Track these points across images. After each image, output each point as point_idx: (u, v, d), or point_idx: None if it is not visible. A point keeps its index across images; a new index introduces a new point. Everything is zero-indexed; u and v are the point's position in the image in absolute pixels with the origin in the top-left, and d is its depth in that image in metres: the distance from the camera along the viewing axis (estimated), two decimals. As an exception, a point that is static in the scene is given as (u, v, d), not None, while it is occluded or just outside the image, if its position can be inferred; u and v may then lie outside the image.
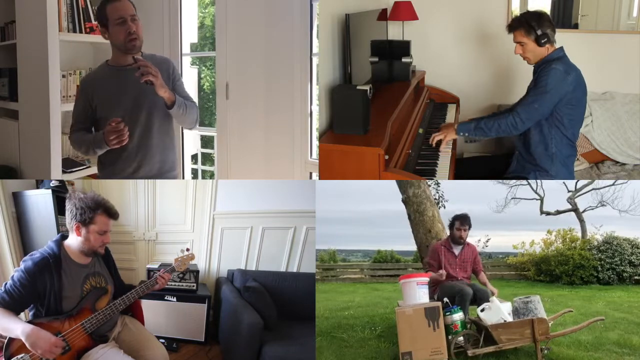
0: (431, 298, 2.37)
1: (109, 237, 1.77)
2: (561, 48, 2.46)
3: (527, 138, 2.53)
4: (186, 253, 2.08)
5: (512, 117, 2.38)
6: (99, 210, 1.72)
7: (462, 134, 2.51)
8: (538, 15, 2.45)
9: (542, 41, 2.40)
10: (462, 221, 2.57)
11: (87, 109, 2.11)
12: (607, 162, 3.41)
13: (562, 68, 2.36)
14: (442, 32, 3.65)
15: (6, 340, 1.61)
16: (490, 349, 2.17)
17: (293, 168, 3.20)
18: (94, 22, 3.22)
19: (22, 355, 1.59)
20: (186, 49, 3.79)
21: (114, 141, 1.96)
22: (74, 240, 1.75)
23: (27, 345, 1.57)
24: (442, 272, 2.40)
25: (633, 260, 5.13)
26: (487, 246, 6.08)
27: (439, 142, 2.56)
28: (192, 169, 4.14)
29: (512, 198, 6.28)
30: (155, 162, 2.16)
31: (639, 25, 3.36)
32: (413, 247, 3.79)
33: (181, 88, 2.19)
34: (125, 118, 2.02)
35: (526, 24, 2.41)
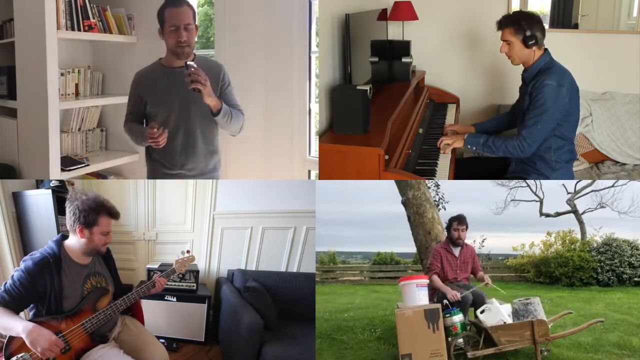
0: (431, 300, 2.36)
1: (111, 236, 1.78)
2: (548, 52, 2.43)
3: None
4: (186, 255, 2.08)
5: (519, 141, 2.37)
6: (102, 212, 1.73)
7: (469, 146, 2.50)
8: (530, 16, 2.42)
9: (530, 42, 2.37)
10: (459, 221, 2.56)
11: (138, 103, 2.22)
12: (607, 162, 3.41)
13: (555, 81, 2.32)
14: (442, 32, 3.65)
15: (6, 339, 1.61)
16: (490, 350, 2.17)
17: (292, 166, 3.19)
18: (92, 20, 3.21)
19: (22, 354, 1.58)
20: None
21: (153, 144, 2.09)
22: (75, 241, 1.75)
23: (27, 342, 1.57)
24: (455, 294, 2.32)
25: (633, 261, 5.13)
26: (483, 246, 6.06)
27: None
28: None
29: (511, 200, 6.27)
30: (199, 163, 2.22)
31: (639, 25, 3.36)
32: (413, 249, 3.78)
33: (230, 95, 2.22)
34: (172, 118, 2.14)
35: (516, 23, 2.38)
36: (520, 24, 2.37)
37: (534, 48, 2.39)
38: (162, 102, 2.16)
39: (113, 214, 1.76)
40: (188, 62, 2.01)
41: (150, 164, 2.31)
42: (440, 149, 2.55)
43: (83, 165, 3.32)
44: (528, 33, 2.36)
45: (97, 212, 1.72)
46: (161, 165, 2.25)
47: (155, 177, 2.30)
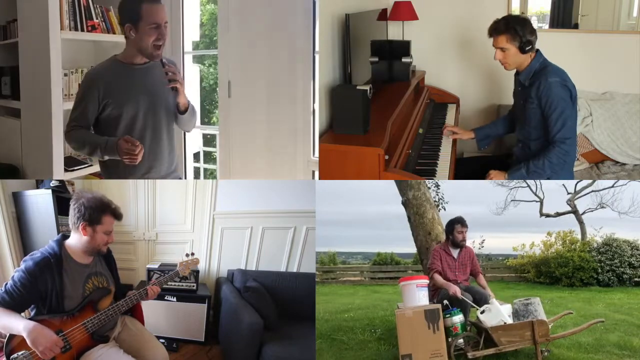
0: (431, 300, 2.36)
1: (113, 237, 1.80)
2: (540, 52, 2.42)
3: (527, 148, 2.52)
4: (191, 257, 2.07)
5: (558, 147, 2.32)
6: (107, 211, 1.75)
7: (513, 180, 2.48)
8: (523, 21, 2.40)
9: (527, 48, 2.36)
10: (462, 223, 2.57)
11: (94, 106, 1.99)
12: (607, 162, 3.41)
13: (557, 78, 2.33)
14: (442, 32, 3.65)
15: (7, 337, 1.61)
16: (490, 351, 2.17)
17: (296, 166, 3.19)
18: (96, 20, 3.22)
19: (23, 352, 1.59)
20: (187, 47, 3.80)
21: (126, 160, 1.92)
22: (77, 240, 1.75)
23: (28, 341, 1.57)
24: (457, 290, 2.36)
25: (633, 262, 5.12)
26: (482, 247, 6.06)
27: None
28: (195, 168, 4.14)
29: (511, 200, 6.27)
30: (164, 164, 2.15)
31: (639, 25, 3.36)
32: (413, 250, 3.78)
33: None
34: (139, 119, 2.03)
35: (512, 29, 2.35)
36: (516, 30, 2.34)
37: (530, 53, 2.38)
38: (128, 102, 2.00)
39: (117, 214, 1.78)
40: (163, 60, 1.97)
41: (107, 175, 2.15)
42: (438, 148, 2.51)
43: (86, 165, 3.33)
44: (524, 39, 2.34)
45: (102, 210, 1.73)
46: (123, 174, 2.09)
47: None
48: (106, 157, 1.99)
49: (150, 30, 1.95)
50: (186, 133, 3.76)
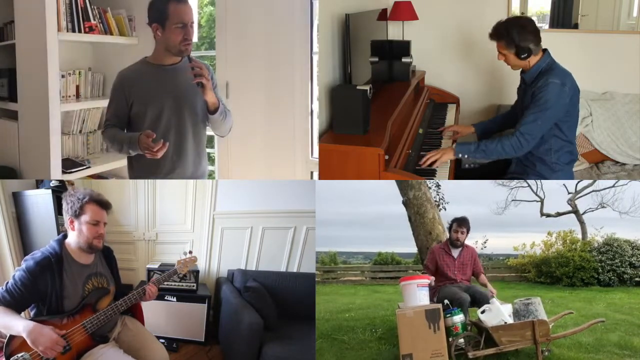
0: (431, 300, 2.36)
1: (104, 228, 1.75)
2: (548, 53, 2.39)
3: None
4: (189, 255, 2.07)
5: (516, 137, 2.32)
6: (86, 199, 1.72)
7: (461, 155, 2.40)
8: (521, 25, 2.35)
9: (523, 55, 2.34)
10: (459, 223, 2.56)
11: (123, 105, 2.07)
12: (607, 162, 3.42)
13: (559, 81, 2.30)
14: (442, 32, 3.66)
15: (7, 338, 1.61)
16: (491, 350, 2.16)
17: (294, 167, 3.19)
18: (93, 22, 3.21)
19: (22, 353, 1.58)
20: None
21: (147, 155, 1.95)
22: (72, 238, 1.75)
23: (28, 342, 1.57)
24: (432, 279, 2.36)
25: (633, 261, 5.12)
26: (485, 247, 6.06)
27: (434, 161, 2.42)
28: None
29: (512, 200, 6.27)
30: (189, 166, 2.15)
31: (639, 25, 3.37)
32: (414, 249, 3.78)
33: (218, 95, 2.15)
34: (163, 117, 2.04)
35: (507, 37, 2.33)
36: (511, 37, 2.32)
37: (528, 60, 2.36)
38: (152, 101, 2.04)
39: (100, 201, 1.74)
40: (190, 56, 1.98)
41: (133, 175, 2.18)
42: (431, 165, 2.41)
43: (84, 167, 3.32)
44: (521, 45, 2.32)
45: (82, 199, 1.71)
46: (147, 173, 2.13)
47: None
48: (132, 153, 2.03)
49: (176, 29, 1.98)
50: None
